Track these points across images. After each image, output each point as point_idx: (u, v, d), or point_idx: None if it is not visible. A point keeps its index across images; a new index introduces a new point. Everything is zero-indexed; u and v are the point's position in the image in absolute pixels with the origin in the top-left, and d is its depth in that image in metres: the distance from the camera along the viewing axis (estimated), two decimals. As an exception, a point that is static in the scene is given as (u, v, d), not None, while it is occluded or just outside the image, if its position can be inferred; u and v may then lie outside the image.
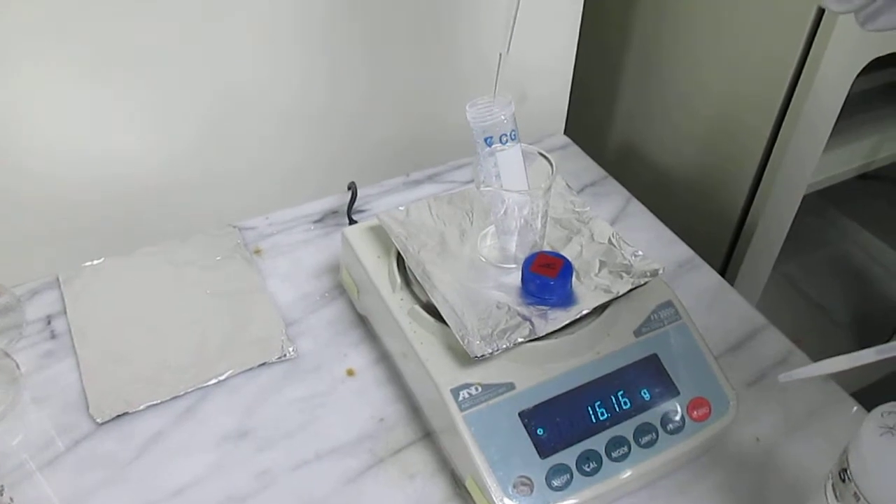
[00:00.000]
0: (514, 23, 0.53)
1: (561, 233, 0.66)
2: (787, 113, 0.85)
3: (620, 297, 0.59)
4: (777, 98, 0.84)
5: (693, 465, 0.60)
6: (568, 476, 0.53)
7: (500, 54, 0.54)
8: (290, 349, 0.67)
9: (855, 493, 0.43)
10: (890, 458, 0.42)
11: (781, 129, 0.86)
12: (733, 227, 0.97)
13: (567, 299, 0.58)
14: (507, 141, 0.57)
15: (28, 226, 0.73)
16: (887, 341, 0.46)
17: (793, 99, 0.84)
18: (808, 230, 1.17)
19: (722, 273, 0.95)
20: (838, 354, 0.50)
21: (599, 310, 0.59)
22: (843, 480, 0.44)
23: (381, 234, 0.66)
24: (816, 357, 0.67)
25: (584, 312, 0.57)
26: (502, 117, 0.56)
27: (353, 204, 0.82)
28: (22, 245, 0.74)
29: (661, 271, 0.60)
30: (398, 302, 0.61)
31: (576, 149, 0.96)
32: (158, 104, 0.73)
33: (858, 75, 0.83)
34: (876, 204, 1.32)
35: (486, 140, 0.57)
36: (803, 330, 1.14)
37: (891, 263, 1.31)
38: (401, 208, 0.67)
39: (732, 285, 0.77)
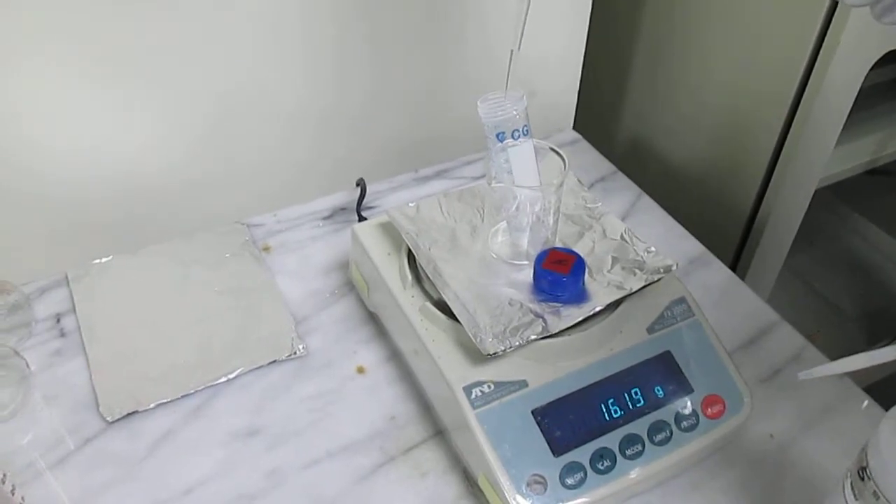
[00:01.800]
0: (525, 19, 0.53)
1: (573, 229, 0.65)
2: (799, 107, 0.84)
3: (633, 293, 0.58)
4: (789, 92, 0.84)
5: (707, 462, 0.59)
6: (582, 474, 0.53)
7: (512, 51, 0.54)
8: (300, 347, 0.67)
9: (874, 492, 0.43)
10: (910, 456, 0.41)
11: (793, 124, 0.86)
12: (744, 223, 0.96)
13: (580, 296, 0.58)
14: (519, 136, 0.57)
15: (36, 224, 0.73)
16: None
17: (805, 93, 0.83)
18: (818, 225, 1.16)
19: (733, 268, 0.94)
20: (849, 349, 0.50)
21: (612, 306, 0.58)
22: (862, 479, 0.44)
23: (390, 231, 0.66)
24: (828, 353, 0.67)
25: (597, 309, 0.57)
26: (514, 113, 0.56)
27: (362, 200, 0.81)
28: (30, 243, 0.74)
29: (674, 267, 0.60)
30: (409, 299, 0.61)
31: (585, 144, 0.95)
32: (164, 104, 0.73)
33: (870, 69, 0.82)
34: (884, 199, 1.31)
35: (497, 136, 0.56)
36: (814, 326, 1.14)
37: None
38: (411, 204, 0.67)
39: (743, 281, 0.77)
